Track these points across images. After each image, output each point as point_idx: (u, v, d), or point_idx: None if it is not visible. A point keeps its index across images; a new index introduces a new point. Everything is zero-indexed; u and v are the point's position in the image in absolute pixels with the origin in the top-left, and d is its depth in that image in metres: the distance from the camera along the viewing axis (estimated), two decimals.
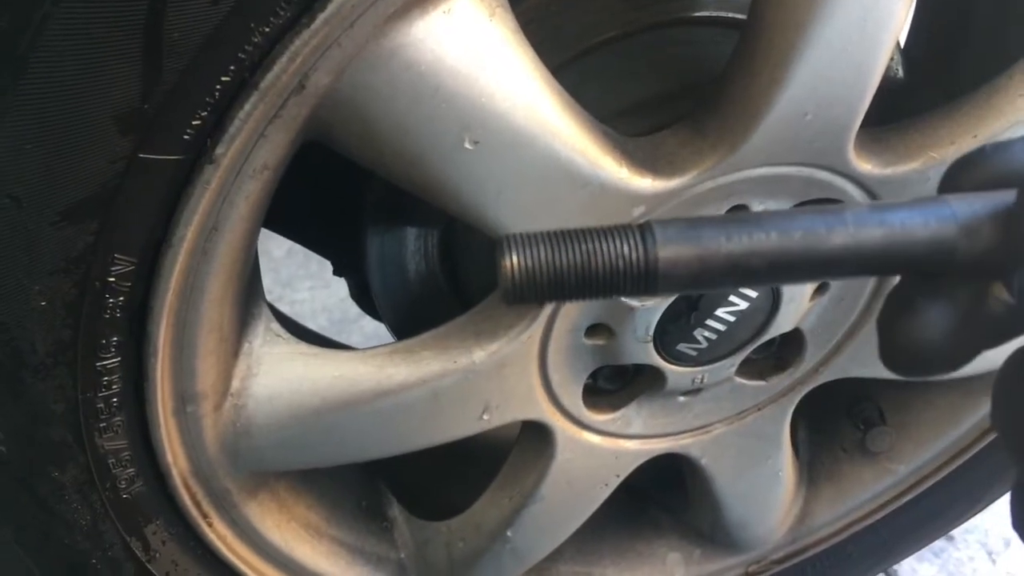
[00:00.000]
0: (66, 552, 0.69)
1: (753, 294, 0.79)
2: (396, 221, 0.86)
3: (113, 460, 0.67)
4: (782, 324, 0.82)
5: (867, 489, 1.06)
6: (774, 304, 0.80)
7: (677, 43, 0.77)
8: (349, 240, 0.91)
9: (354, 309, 2.13)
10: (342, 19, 0.53)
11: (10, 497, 0.64)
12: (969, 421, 1.02)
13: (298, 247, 1.08)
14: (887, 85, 0.84)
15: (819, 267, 0.42)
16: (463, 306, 0.87)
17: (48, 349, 0.58)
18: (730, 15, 0.78)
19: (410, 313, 0.91)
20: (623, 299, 0.76)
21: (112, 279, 0.57)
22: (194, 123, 0.53)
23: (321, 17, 0.52)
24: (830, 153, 0.70)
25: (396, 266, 0.88)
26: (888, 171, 0.73)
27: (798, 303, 0.81)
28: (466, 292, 0.90)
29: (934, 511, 1.07)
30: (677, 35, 0.77)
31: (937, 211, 0.42)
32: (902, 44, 0.96)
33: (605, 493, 0.90)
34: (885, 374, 0.92)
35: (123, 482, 0.69)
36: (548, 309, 0.74)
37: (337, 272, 1.03)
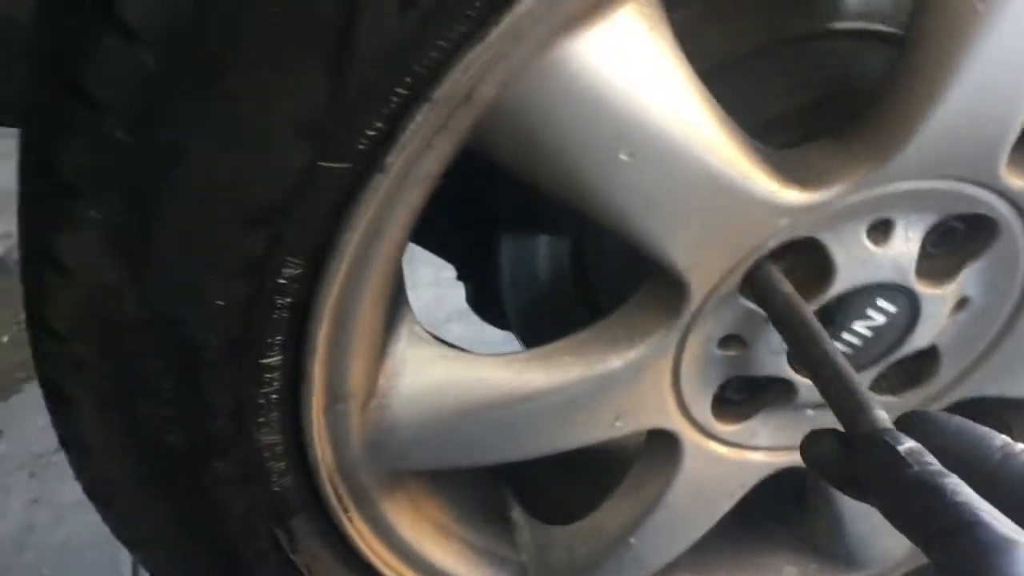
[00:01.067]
0: (219, 538, 0.72)
1: (893, 308, 0.78)
2: (529, 228, 0.88)
3: (268, 454, 0.70)
4: (919, 340, 0.81)
5: None
6: (913, 319, 0.79)
7: (822, 55, 0.77)
8: (477, 245, 0.93)
9: (440, 312, 2.15)
10: (512, 34, 0.54)
11: (176, 485, 0.67)
12: None
13: None
14: None
15: None
16: (591, 313, 0.88)
17: (221, 346, 0.61)
18: (875, 27, 0.77)
19: (538, 318, 0.92)
20: (758, 309, 0.76)
21: (282, 281, 0.60)
22: (369, 133, 0.55)
23: (495, 31, 0.53)
24: (981, 168, 0.69)
25: (527, 271, 0.89)
26: None
27: (937, 319, 0.79)
28: (596, 299, 0.91)
29: None
30: (822, 47, 0.77)
31: None
32: None
33: (729, 504, 0.90)
34: (1022, 394, 0.90)
35: (275, 475, 0.71)
36: (685, 317, 0.74)
37: (460, 276, 1.05)
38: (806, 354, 0.69)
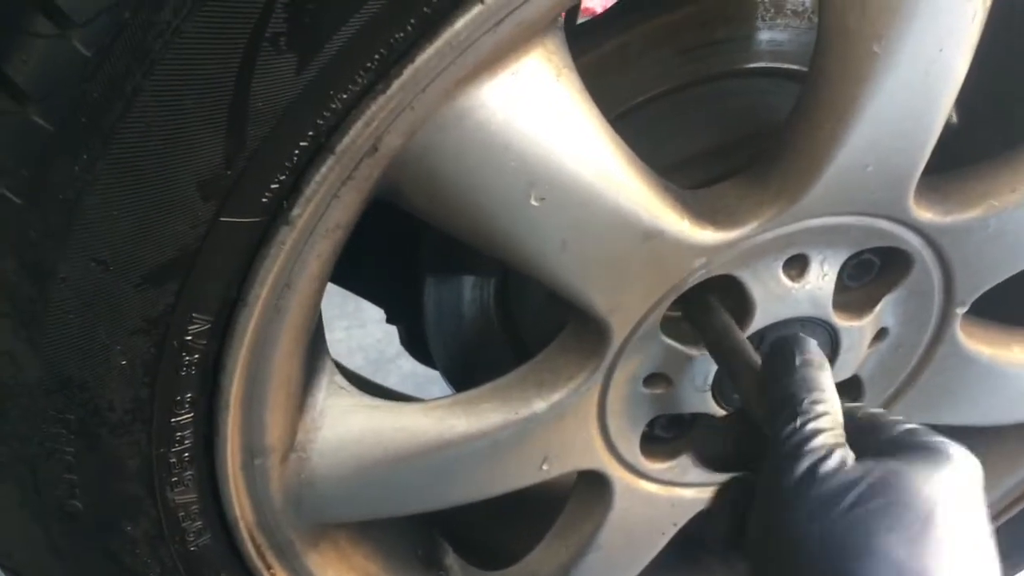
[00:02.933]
0: None
1: (813, 341, 0.79)
2: (453, 270, 0.87)
3: (183, 513, 0.68)
4: (840, 372, 0.82)
5: None
6: (832, 352, 0.80)
7: (733, 95, 0.78)
8: (404, 289, 0.92)
9: (390, 349, 2.13)
10: (416, 84, 0.54)
11: (83, 551, 0.65)
12: None
13: (334, 286, 1.10)
14: (944, 132, 0.84)
15: None
16: (519, 355, 0.88)
17: (126, 407, 0.59)
18: (786, 66, 0.78)
19: (465, 360, 0.92)
20: (681, 347, 0.76)
21: (189, 337, 0.59)
22: (272, 187, 0.54)
23: (396, 83, 0.53)
24: (890, 203, 0.70)
25: (453, 314, 0.89)
26: (948, 219, 0.73)
27: (856, 350, 0.80)
28: (523, 341, 0.90)
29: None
30: (732, 87, 0.78)
31: None
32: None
33: (662, 541, 0.89)
34: (945, 421, 0.92)
35: (191, 535, 0.69)
36: (608, 358, 0.74)
37: (391, 320, 1.04)
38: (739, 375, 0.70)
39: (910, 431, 0.58)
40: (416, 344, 1.04)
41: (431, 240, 0.84)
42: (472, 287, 0.87)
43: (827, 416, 0.59)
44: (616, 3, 0.83)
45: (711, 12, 0.78)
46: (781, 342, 0.66)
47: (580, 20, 0.89)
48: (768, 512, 0.56)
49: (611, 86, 0.76)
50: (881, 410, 0.63)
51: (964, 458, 0.56)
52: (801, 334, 0.66)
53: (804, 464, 0.55)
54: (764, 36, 0.78)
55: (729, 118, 0.78)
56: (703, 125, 0.77)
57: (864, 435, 0.59)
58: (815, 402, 0.59)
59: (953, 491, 0.53)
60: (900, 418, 0.60)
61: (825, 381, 0.62)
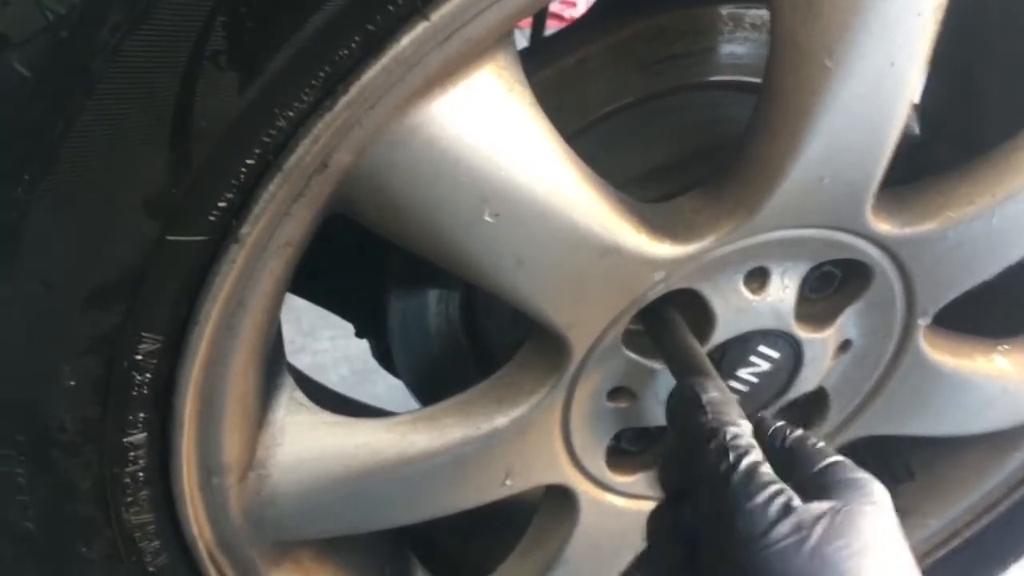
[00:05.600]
0: None
1: (776, 353, 0.79)
2: (418, 284, 0.87)
3: (139, 534, 0.67)
4: (805, 383, 0.82)
5: None
6: (797, 363, 0.80)
7: (692, 108, 0.78)
8: (371, 302, 0.92)
9: (369, 363, 2.13)
10: (363, 101, 0.54)
11: (38, 574, 0.64)
12: (998, 476, 1.00)
13: None
14: (903, 142, 0.85)
15: None
16: (484, 368, 0.87)
17: (77, 427, 0.59)
18: (745, 79, 0.79)
19: (431, 375, 0.91)
20: (644, 361, 0.76)
21: (139, 357, 0.58)
22: (220, 205, 0.54)
23: (343, 100, 0.53)
24: (848, 215, 0.71)
25: (418, 328, 0.88)
26: (907, 231, 0.73)
27: (820, 362, 0.80)
28: (488, 354, 0.90)
29: (965, 567, 1.05)
30: (691, 100, 0.78)
31: None
32: (918, 101, 0.97)
33: (630, 556, 0.89)
34: (911, 431, 0.92)
35: (149, 555, 0.69)
36: (570, 373, 0.74)
37: (360, 334, 1.03)
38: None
39: (836, 466, 0.59)
40: (387, 357, 1.04)
41: (395, 253, 0.84)
42: (437, 301, 0.87)
43: (754, 450, 0.60)
44: (578, 18, 0.83)
45: (670, 26, 0.78)
46: (679, 389, 0.67)
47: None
48: (723, 551, 0.57)
49: (571, 100, 0.76)
50: (801, 432, 0.63)
51: (884, 491, 0.58)
52: (698, 379, 0.66)
53: (755, 503, 0.56)
54: (724, 49, 0.79)
55: (688, 131, 0.78)
56: (663, 138, 0.77)
57: (790, 464, 0.60)
58: (736, 436, 0.60)
59: (892, 526, 0.56)
60: (821, 445, 0.62)
61: (736, 414, 0.63)
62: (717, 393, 0.64)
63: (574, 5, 2.93)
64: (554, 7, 2.93)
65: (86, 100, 0.48)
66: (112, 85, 0.48)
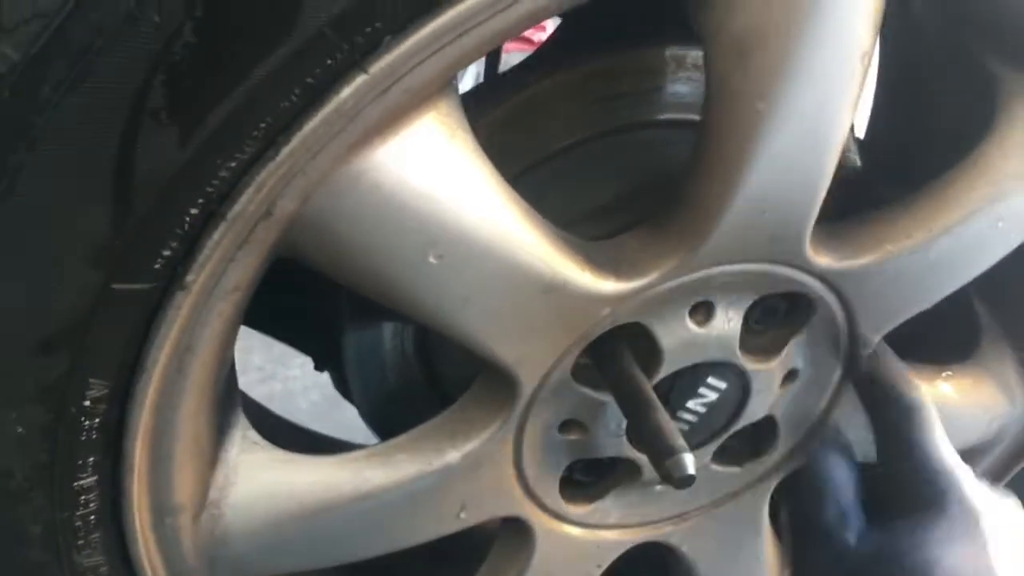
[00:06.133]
0: None
1: (723, 384, 0.81)
2: (372, 318, 0.88)
3: None
4: (754, 412, 0.83)
5: None
6: (745, 393, 0.81)
7: (637, 146, 0.80)
8: (328, 336, 0.93)
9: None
10: (305, 150, 0.55)
11: None
12: None
13: None
14: (846, 177, 0.87)
15: None
16: (439, 402, 0.88)
17: (25, 473, 0.59)
18: (689, 117, 0.81)
19: (387, 408, 0.92)
20: (593, 394, 0.77)
21: (87, 403, 0.59)
22: (164, 253, 0.55)
23: (285, 150, 0.54)
24: (787, 250, 0.73)
25: (373, 362, 0.89)
26: (845, 264, 0.75)
27: (767, 392, 0.82)
28: (442, 388, 0.91)
29: None
30: (637, 139, 0.80)
31: None
32: (862, 136, 1.00)
33: None
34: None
35: None
36: (520, 407, 0.75)
37: (319, 367, 1.04)
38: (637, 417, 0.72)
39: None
40: (348, 389, 1.04)
41: (346, 289, 0.85)
42: (392, 335, 0.88)
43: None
44: (527, 57, 0.85)
45: (617, 66, 0.80)
46: None
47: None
48: None
49: (518, 140, 0.77)
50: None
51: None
52: None
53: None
54: (668, 89, 0.81)
55: (633, 169, 0.80)
56: (609, 176, 0.79)
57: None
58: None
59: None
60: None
61: None
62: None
63: (544, 28, 2.96)
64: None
65: (29, 156, 0.49)
66: (54, 140, 0.49)
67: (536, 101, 0.79)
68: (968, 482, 0.62)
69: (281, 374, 2.19)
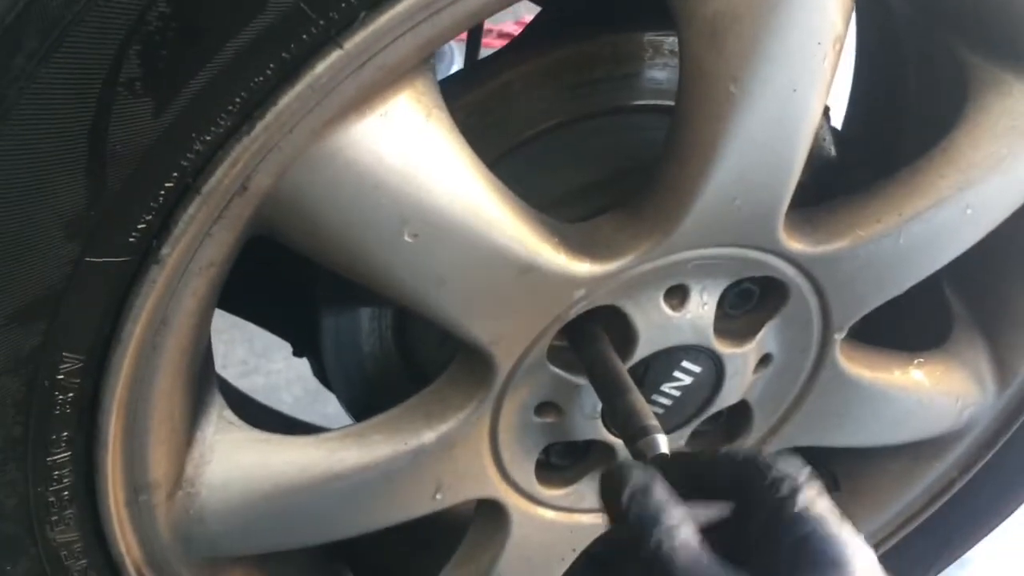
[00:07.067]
0: None
1: (697, 368, 0.81)
2: (350, 302, 0.88)
3: (65, 552, 0.67)
4: (728, 397, 0.84)
5: None
6: (719, 377, 0.82)
7: (613, 131, 0.80)
8: (306, 321, 0.93)
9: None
10: (280, 125, 0.55)
11: None
12: (920, 485, 1.04)
13: None
14: (821, 164, 0.88)
15: None
16: (417, 385, 0.89)
17: None
18: (665, 103, 0.81)
19: (364, 392, 0.92)
20: (569, 376, 0.78)
21: (61, 376, 0.59)
22: (139, 226, 0.55)
23: (260, 125, 0.54)
24: (761, 234, 0.73)
25: (350, 346, 0.90)
26: (819, 249, 0.76)
27: (741, 377, 0.83)
28: (420, 371, 0.91)
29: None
30: (613, 123, 0.81)
31: None
32: (839, 125, 1.01)
33: (562, 567, 0.91)
34: (833, 443, 0.95)
35: (75, 573, 0.69)
36: (496, 388, 0.76)
37: (297, 353, 1.04)
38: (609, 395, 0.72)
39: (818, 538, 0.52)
40: (325, 375, 1.04)
41: (326, 271, 0.85)
42: (370, 319, 0.88)
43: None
44: (507, 43, 0.86)
45: (593, 52, 0.80)
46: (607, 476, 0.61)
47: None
48: None
49: (496, 123, 0.78)
50: (794, 487, 0.55)
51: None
52: (621, 464, 0.61)
53: None
54: (644, 75, 0.81)
55: (609, 153, 0.80)
56: (584, 160, 0.79)
57: (772, 526, 0.54)
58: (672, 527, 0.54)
59: None
60: (806, 508, 0.54)
61: (663, 498, 0.56)
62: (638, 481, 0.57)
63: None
64: (508, 27, 2.97)
65: (2, 126, 0.49)
66: (27, 112, 0.49)
67: (514, 85, 0.79)
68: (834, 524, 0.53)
69: (264, 368, 2.19)
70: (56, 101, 0.49)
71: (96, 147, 0.50)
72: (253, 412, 1.00)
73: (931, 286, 0.87)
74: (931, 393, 0.94)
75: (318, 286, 0.88)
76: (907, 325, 0.94)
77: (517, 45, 0.85)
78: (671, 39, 0.82)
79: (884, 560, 0.55)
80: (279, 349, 2.18)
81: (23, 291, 0.54)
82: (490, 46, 1.48)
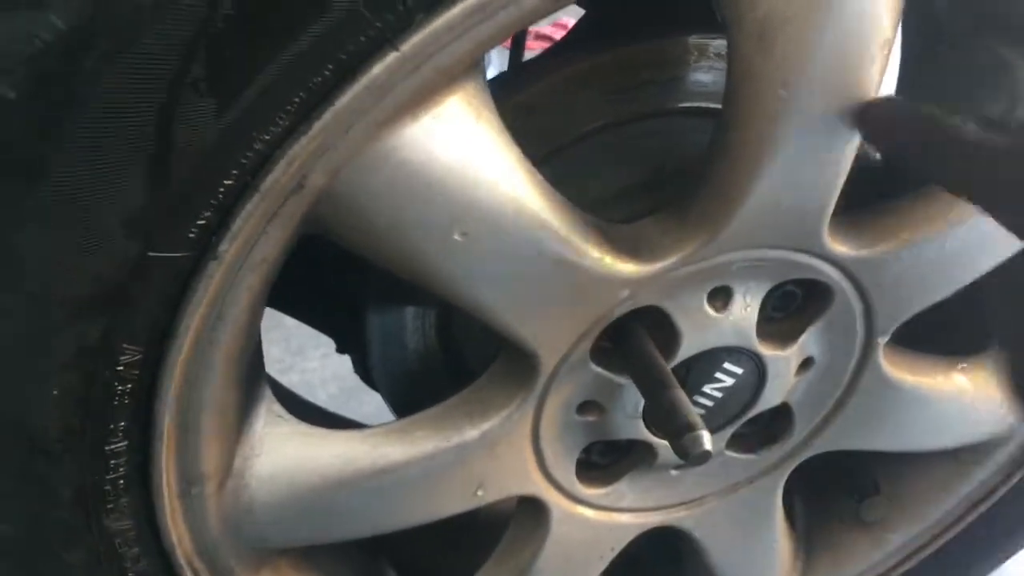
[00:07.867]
0: None
1: (739, 370, 0.82)
2: (396, 300, 0.89)
3: (120, 540, 0.69)
4: (770, 399, 0.84)
5: (863, 559, 1.07)
6: (761, 380, 0.83)
7: (659, 134, 0.81)
8: (351, 318, 0.94)
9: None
10: (337, 126, 0.57)
11: None
12: (962, 491, 1.03)
13: None
14: (865, 167, 0.88)
15: None
16: (460, 382, 0.90)
17: (59, 435, 0.61)
18: (710, 106, 0.82)
19: (409, 390, 0.94)
20: (611, 376, 0.78)
21: (120, 368, 0.60)
22: (199, 223, 0.57)
23: (317, 125, 0.56)
24: (806, 237, 0.74)
25: (396, 344, 0.91)
26: (863, 252, 0.76)
27: (783, 379, 0.83)
28: (463, 369, 0.92)
29: None
30: (658, 126, 0.81)
31: None
32: None
33: (601, 566, 0.91)
34: (874, 446, 0.94)
35: (129, 561, 0.71)
36: (539, 387, 0.76)
37: (341, 350, 1.06)
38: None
39: None
40: (368, 372, 1.06)
41: (374, 268, 0.86)
42: (414, 317, 0.90)
43: None
44: (551, 45, 0.87)
45: (637, 56, 0.81)
46: None
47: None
48: None
49: (544, 124, 0.79)
50: None
51: None
52: None
53: None
54: (690, 78, 0.82)
55: (655, 155, 0.81)
56: (630, 162, 0.80)
57: None
58: None
59: None
60: None
61: None
62: None
63: (566, 28, 2.97)
64: (545, 30, 2.98)
65: (72, 124, 0.50)
66: (96, 111, 0.50)
67: (560, 88, 0.80)
68: None
69: (299, 366, 2.21)
70: (124, 100, 0.50)
71: (160, 145, 0.52)
72: (296, 407, 1.02)
73: (974, 290, 0.86)
74: (974, 399, 0.94)
75: (364, 284, 0.89)
76: (950, 330, 0.94)
77: (562, 48, 0.86)
78: (716, 42, 0.82)
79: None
80: (315, 347, 2.21)
81: (88, 285, 0.56)
82: (529, 48, 1.50)
